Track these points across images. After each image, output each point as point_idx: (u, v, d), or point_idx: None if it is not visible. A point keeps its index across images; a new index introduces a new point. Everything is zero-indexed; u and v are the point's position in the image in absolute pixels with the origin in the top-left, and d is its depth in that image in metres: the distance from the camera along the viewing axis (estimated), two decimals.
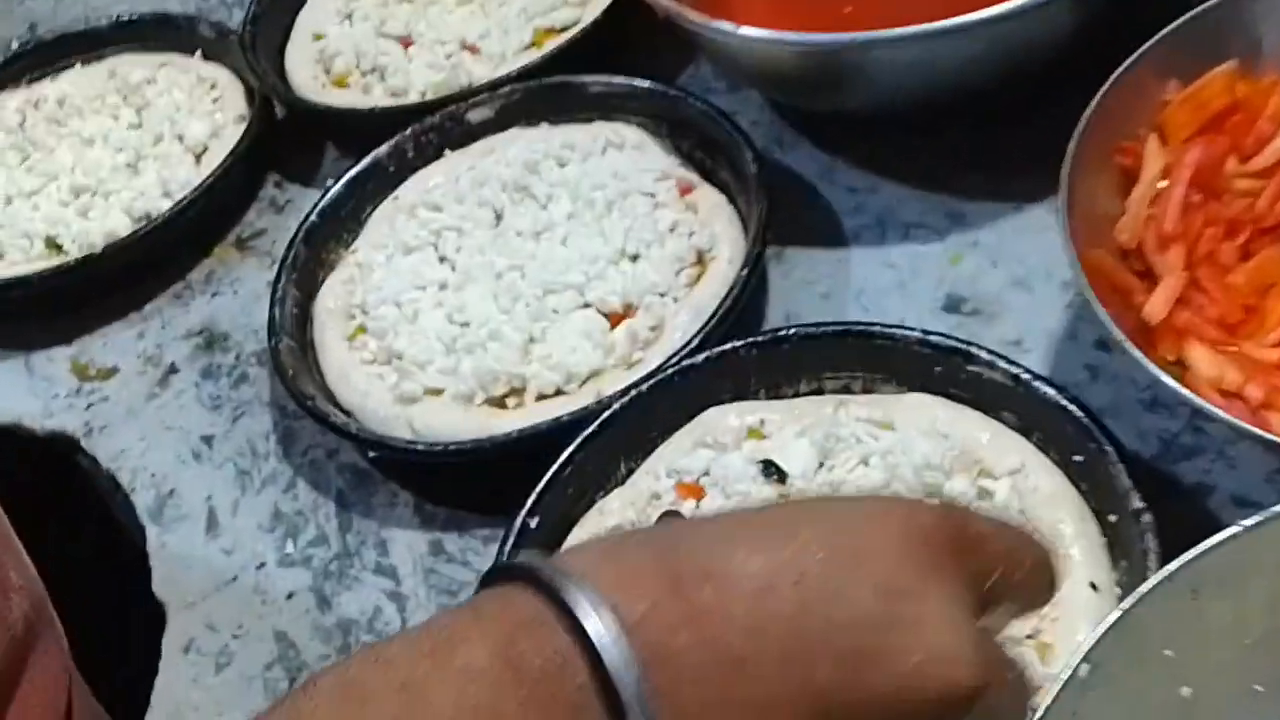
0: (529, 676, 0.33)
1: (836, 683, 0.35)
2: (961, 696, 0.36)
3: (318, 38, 0.95)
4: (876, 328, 0.63)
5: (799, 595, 0.35)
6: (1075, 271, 0.57)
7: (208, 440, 0.76)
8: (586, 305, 0.71)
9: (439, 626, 0.36)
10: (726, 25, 0.71)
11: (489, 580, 0.37)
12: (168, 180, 0.88)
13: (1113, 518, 0.56)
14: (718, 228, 0.73)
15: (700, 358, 0.65)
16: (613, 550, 0.38)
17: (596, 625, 0.33)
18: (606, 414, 0.63)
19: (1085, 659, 0.45)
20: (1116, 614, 0.46)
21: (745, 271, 0.68)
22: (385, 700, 0.33)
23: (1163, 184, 0.62)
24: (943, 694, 0.36)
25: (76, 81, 0.99)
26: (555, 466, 0.62)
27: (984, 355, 0.61)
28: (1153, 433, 0.61)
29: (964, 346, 0.61)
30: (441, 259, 0.77)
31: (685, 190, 0.76)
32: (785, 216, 0.73)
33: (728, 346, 0.64)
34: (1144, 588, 0.47)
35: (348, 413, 0.71)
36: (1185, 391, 0.53)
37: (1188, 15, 0.64)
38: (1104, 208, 0.62)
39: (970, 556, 0.38)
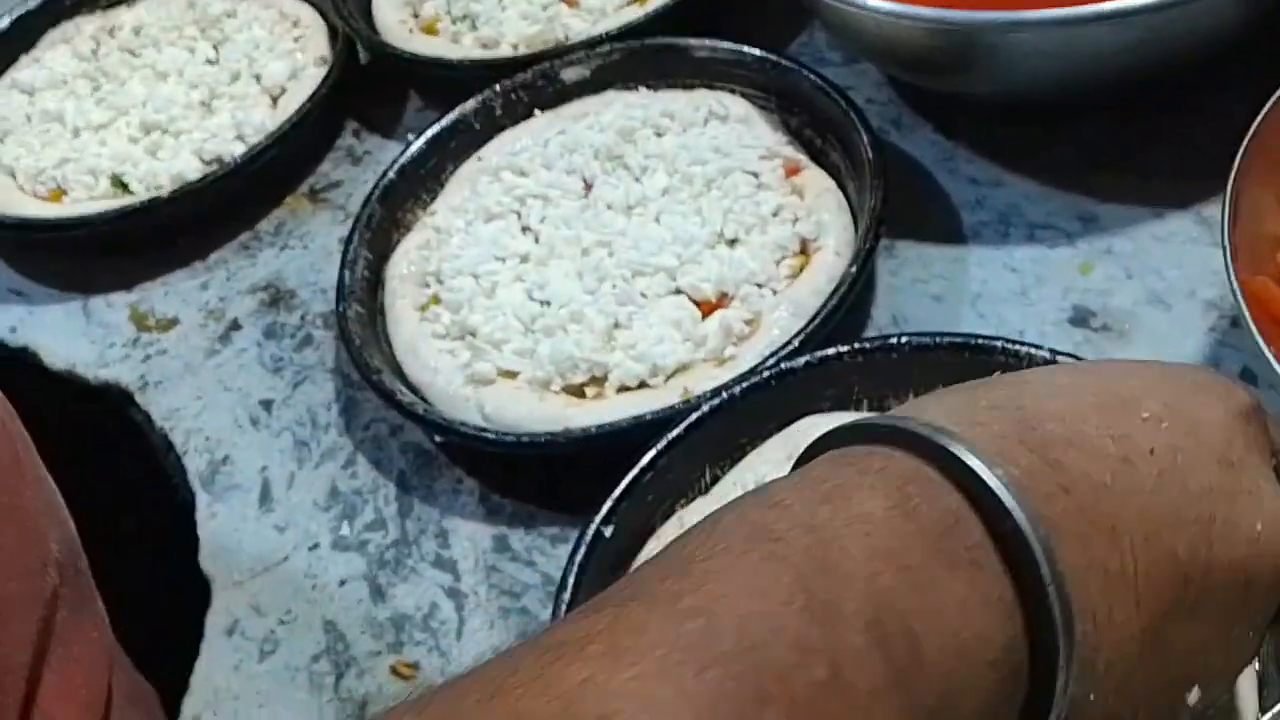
0: (929, 529, 0.32)
1: (1193, 551, 0.35)
2: None
3: None
4: (999, 343, 0.57)
5: (1155, 467, 0.35)
6: (1236, 298, 0.51)
7: (266, 405, 0.72)
8: (678, 291, 0.66)
9: (821, 478, 0.34)
10: None
11: (837, 441, 0.36)
12: (242, 122, 0.83)
13: None
14: (825, 215, 0.67)
15: (800, 361, 0.59)
16: (965, 411, 0.36)
17: (994, 482, 0.33)
18: (694, 416, 0.58)
19: None
20: None
21: (854, 268, 0.62)
22: (795, 540, 0.32)
23: None
24: None
25: (154, 10, 0.94)
26: (636, 470, 0.57)
27: None
28: None
29: None
30: (524, 229, 0.72)
31: (792, 171, 0.70)
32: (898, 207, 0.66)
33: (831, 351, 0.59)
34: None
35: (414, 388, 0.67)
36: None
37: None
38: (1269, 227, 0.56)
39: (1271, 436, 0.39)
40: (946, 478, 0.33)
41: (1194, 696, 0.37)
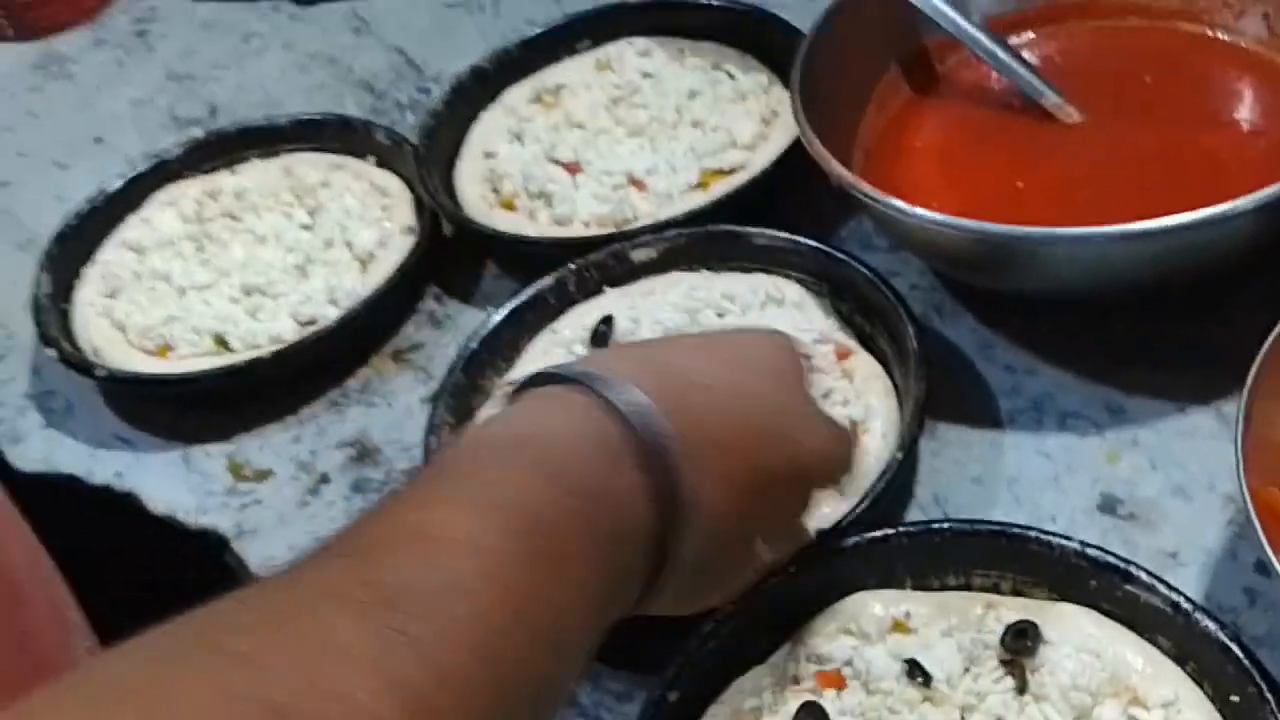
0: (593, 438, 0.49)
1: (766, 454, 0.54)
2: (839, 462, 0.61)
3: (488, 156, 0.97)
4: (1034, 533, 0.62)
5: (740, 402, 0.54)
6: (1246, 506, 0.56)
7: None
8: None
9: (534, 408, 0.52)
10: (900, 203, 0.71)
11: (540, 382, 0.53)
12: (334, 287, 0.91)
13: None
14: (873, 400, 0.73)
15: (849, 542, 0.64)
16: (624, 363, 0.53)
17: (625, 408, 0.49)
18: (755, 591, 0.64)
19: None
20: None
21: (901, 455, 0.68)
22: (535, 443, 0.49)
23: None
24: (828, 463, 0.60)
25: (254, 176, 1.02)
26: (699, 638, 0.62)
27: (1144, 577, 0.60)
28: None
29: (1124, 565, 0.60)
30: None
31: (842, 355, 0.76)
32: (940, 390, 0.72)
33: (879, 534, 0.64)
34: None
35: None
36: None
37: None
38: None
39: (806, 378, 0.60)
40: (607, 409, 0.49)
41: (760, 546, 0.59)
